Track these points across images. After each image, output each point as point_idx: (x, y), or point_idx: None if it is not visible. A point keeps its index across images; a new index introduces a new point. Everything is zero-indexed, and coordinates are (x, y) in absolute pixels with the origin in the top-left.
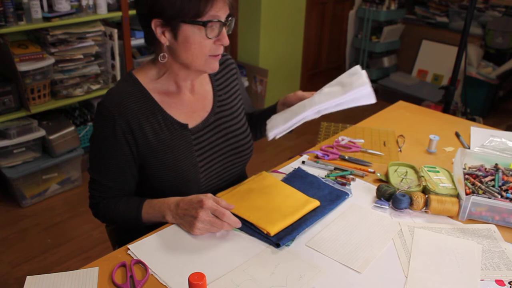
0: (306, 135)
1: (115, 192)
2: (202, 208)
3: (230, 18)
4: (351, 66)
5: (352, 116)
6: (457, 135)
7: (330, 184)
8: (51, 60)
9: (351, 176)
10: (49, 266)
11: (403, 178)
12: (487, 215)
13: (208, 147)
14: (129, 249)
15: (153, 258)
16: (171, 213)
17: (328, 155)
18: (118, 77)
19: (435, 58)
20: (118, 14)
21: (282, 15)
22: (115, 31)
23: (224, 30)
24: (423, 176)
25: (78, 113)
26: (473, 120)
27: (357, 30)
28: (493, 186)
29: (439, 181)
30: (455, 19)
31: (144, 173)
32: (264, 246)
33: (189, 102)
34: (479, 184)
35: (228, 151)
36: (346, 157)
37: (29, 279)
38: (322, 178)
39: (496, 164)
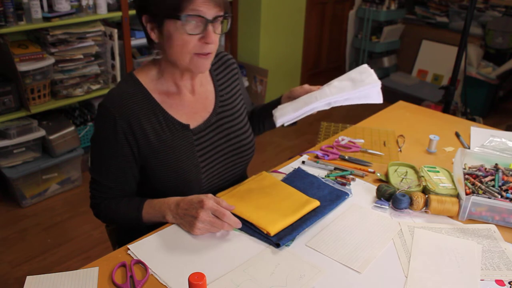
0: (306, 135)
1: (116, 193)
2: (202, 208)
3: (219, 18)
4: (351, 66)
5: (352, 116)
6: (457, 135)
7: (330, 184)
8: (51, 60)
9: (351, 176)
10: (49, 266)
11: (403, 178)
12: (487, 215)
13: (210, 147)
14: (129, 249)
15: (153, 258)
16: (171, 213)
17: (328, 155)
18: (118, 77)
19: (435, 58)
20: (118, 14)
21: (282, 15)
22: (115, 31)
23: (210, 28)
24: (423, 176)
25: (78, 113)
26: (473, 120)
27: (357, 30)
28: (493, 186)
29: (439, 181)
30: (455, 19)
31: (145, 173)
32: (264, 246)
33: (190, 102)
34: (479, 184)
35: (230, 151)
36: (346, 157)
37: (29, 279)
38: (322, 178)
39: (496, 164)
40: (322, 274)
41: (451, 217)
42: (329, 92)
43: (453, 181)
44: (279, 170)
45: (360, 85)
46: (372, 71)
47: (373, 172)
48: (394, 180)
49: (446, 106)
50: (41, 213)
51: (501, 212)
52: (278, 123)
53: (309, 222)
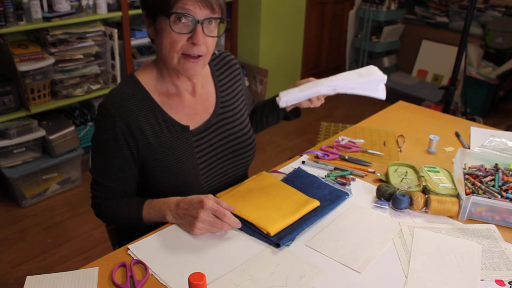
0: (306, 135)
1: (116, 193)
2: (202, 208)
3: (211, 20)
4: (351, 66)
5: (352, 116)
6: (457, 135)
7: (330, 184)
8: (51, 60)
9: (351, 176)
10: (49, 266)
11: (403, 178)
12: (487, 215)
13: (209, 149)
14: (129, 249)
15: (153, 258)
16: (171, 213)
17: (328, 155)
18: (118, 77)
19: (435, 58)
20: (118, 14)
21: (282, 15)
22: (115, 31)
23: (199, 29)
24: (423, 176)
25: (78, 113)
26: (473, 120)
27: (357, 30)
28: (493, 186)
29: (439, 181)
30: (455, 19)
31: (145, 174)
32: (264, 246)
33: (190, 103)
34: (479, 184)
35: (230, 153)
36: (346, 157)
37: (29, 279)
38: (322, 178)
39: (496, 164)
40: (322, 274)
41: (451, 217)
42: (335, 78)
43: (453, 181)
44: (279, 170)
45: (367, 77)
46: (380, 71)
47: (373, 172)
48: (394, 180)
49: (446, 106)
50: (41, 213)
51: (501, 212)
52: (282, 102)
53: (309, 222)
